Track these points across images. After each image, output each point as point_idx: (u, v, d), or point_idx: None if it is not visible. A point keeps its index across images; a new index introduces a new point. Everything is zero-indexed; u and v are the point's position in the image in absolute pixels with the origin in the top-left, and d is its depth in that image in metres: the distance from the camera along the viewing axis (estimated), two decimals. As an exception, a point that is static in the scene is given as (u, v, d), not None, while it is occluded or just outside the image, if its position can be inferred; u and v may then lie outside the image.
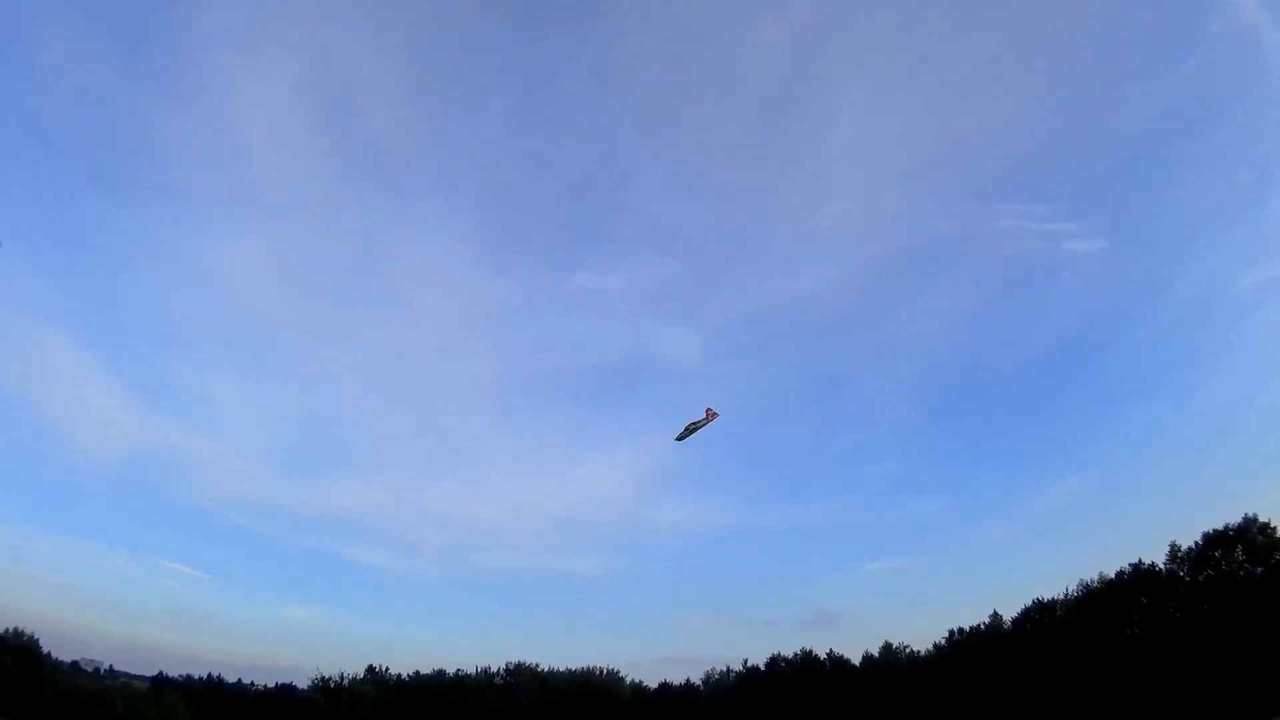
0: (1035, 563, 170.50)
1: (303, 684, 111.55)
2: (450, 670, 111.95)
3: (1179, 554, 70.92)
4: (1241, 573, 66.27)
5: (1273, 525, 66.86)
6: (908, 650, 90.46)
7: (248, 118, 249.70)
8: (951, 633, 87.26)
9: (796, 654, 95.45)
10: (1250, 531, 67.59)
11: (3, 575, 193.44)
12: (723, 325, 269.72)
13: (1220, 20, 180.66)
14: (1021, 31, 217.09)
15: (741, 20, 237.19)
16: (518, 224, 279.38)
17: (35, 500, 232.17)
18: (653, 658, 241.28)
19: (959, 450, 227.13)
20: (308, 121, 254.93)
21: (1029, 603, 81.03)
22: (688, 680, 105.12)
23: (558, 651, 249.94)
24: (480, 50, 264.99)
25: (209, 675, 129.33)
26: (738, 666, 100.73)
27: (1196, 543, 70.00)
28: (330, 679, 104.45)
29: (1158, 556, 72.16)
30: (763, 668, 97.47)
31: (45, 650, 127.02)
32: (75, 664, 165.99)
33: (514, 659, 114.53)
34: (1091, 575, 76.58)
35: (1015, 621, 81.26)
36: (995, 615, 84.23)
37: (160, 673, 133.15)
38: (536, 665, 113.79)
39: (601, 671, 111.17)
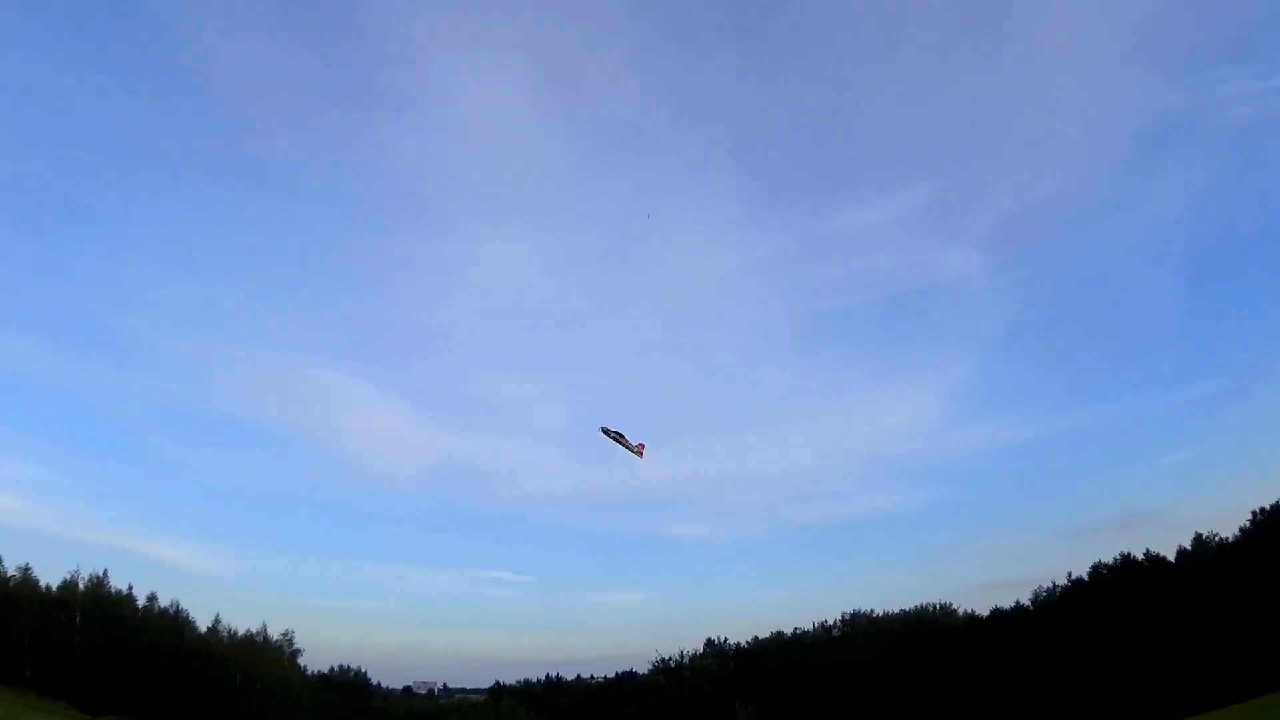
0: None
1: (643, 669, 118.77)
2: (788, 630, 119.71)
3: None
4: None
5: None
6: (1216, 539, 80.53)
7: (483, 122, 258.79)
8: (1254, 513, 76.95)
9: (1116, 559, 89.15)
10: None
11: (326, 613, 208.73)
12: (990, 236, 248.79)
13: None
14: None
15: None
16: (772, 175, 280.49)
17: (347, 534, 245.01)
18: (979, 584, 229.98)
19: (1233, 325, 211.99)
20: (544, 115, 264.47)
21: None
22: (1017, 602, 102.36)
23: (888, 593, 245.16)
24: (695, 8, 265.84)
25: (546, 676, 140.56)
26: (1062, 580, 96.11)
27: None
28: (670, 659, 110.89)
29: None
30: (1086, 577, 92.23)
31: (375, 681, 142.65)
32: (408, 689, 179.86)
33: (849, 608, 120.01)
34: None
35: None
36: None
37: (496, 682, 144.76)
38: (871, 611, 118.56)
39: (934, 607, 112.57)
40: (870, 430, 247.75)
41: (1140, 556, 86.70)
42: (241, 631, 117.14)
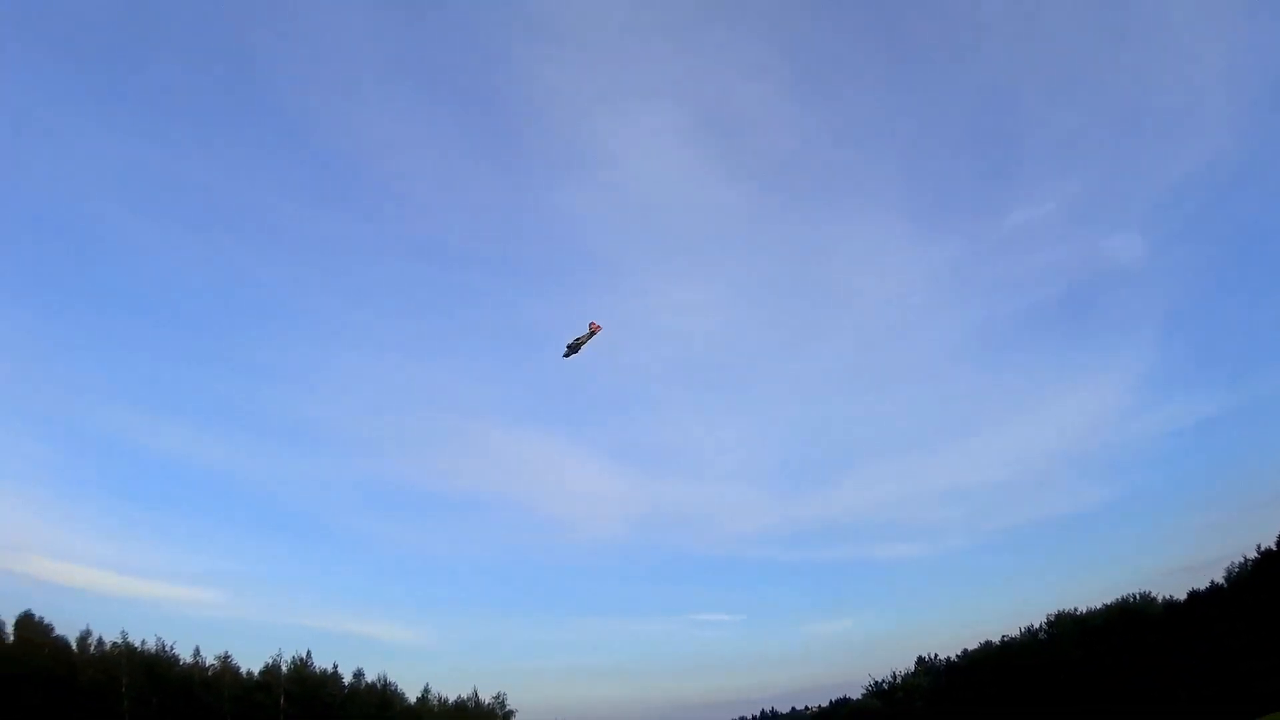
0: None
1: (856, 694, 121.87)
2: (995, 639, 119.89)
3: None
4: None
5: None
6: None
7: (647, 172, 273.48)
8: None
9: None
10: None
11: (539, 673, 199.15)
12: (1149, 215, 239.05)
13: None
14: None
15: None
16: (935, 185, 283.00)
17: (557, 593, 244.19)
18: (1174, 568, 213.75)
19: None
20: (706, 157, 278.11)
21: None
22: (1211, 582, 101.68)
23: (1090, 590, 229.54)
24: (839, 31, 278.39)
25: (761, 712, 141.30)
26: (1253, 554, 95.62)
27: None
28: (882, 681, 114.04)
29: None
30: (1275, 546, 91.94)
31: None
32: None
33: (1053, 609, 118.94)
34: None
35: None
36: None
37: None
38: (1074, 609, 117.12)
39: (1135, 597, 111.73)
40: (1057, 428, 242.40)
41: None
42: (452, 699, 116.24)
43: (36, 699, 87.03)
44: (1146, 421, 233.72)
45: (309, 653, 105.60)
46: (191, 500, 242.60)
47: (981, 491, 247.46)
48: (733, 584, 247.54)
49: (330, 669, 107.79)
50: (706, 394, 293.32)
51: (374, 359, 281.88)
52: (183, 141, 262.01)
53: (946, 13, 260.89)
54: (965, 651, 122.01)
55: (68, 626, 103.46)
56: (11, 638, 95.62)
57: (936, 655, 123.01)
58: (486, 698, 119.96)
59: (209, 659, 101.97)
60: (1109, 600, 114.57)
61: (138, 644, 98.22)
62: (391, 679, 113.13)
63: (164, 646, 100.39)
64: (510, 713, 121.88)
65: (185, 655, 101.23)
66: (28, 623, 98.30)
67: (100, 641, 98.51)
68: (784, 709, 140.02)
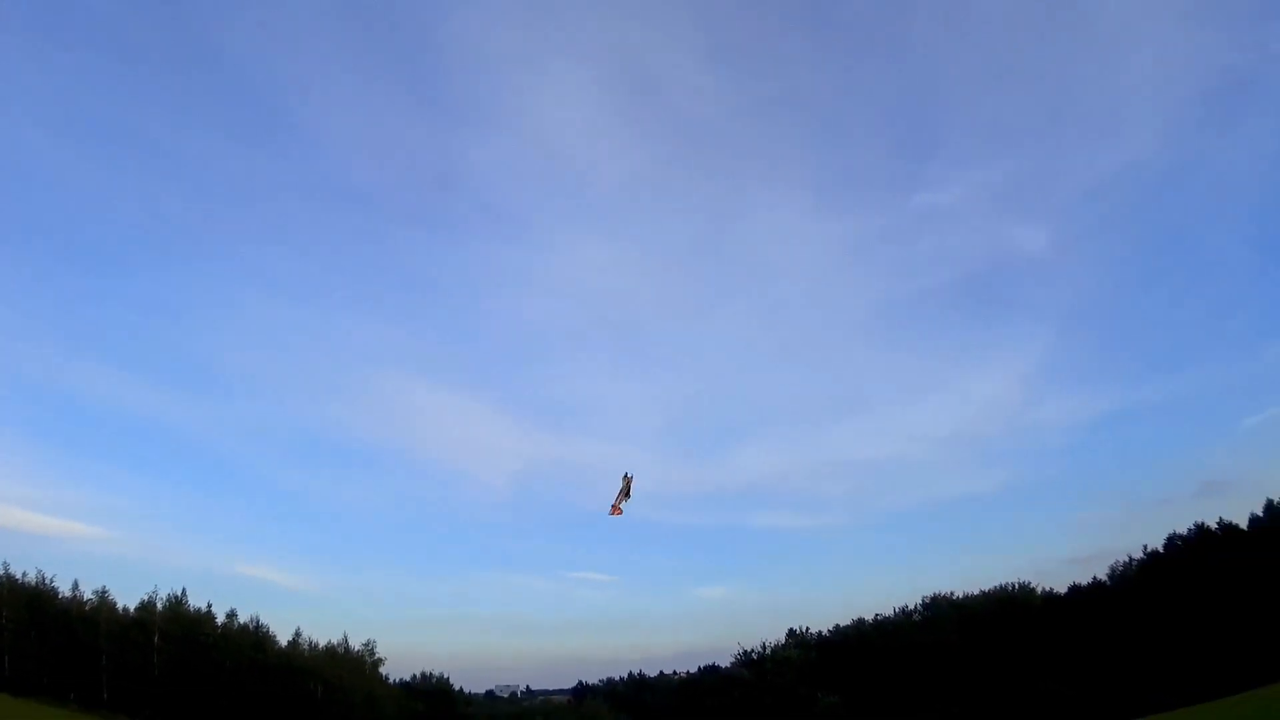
0: None
1: (726, 662, 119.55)
2: (869, 617, 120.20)
3: None
4: None
5: None
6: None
7: (558, 129, 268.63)
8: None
9: (1190, 529, 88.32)
10: None
11: (410, 623, 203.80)
12: (1063, 210, 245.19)
13: None
14: None
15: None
16: (847, 160, 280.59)
17: (434, 544, 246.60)
18: (1058, 561, 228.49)
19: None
20: (618, 118, 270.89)
21: None
22: (1094, 578, 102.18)
23: (970, 575, 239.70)
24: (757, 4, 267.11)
25: (630, 674, 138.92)
26: (1139, 554, 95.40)
27: None
28: (752, 651, 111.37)
29: None
30: (1162, 550, 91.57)
31: (458, 686, 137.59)
32: (490, 693, 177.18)
33: (930, 592, 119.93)
34: None
35: None
36: None
37: (580, 683, 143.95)
38: (952, 593, 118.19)
39: (1014, 586, 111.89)
40: (950, 412, 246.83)
41: (1214, 526, 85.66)
42: (323, 644, 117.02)
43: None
44: (1041, 412, 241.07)
45: (184, 591, 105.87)
46: (76, 435, 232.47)
47: (868, 469, 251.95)
48: (613, 544, 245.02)
49: (205, 608, 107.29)
50: (605, 352, 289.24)
51: (274, 301, 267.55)
52: (98, 69, 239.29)
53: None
54: (838, 627, 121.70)
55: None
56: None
57: (808, 629, 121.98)
58: (356, 644, 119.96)
59: (88, 594, 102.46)
60: (988, 587, 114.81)
61: (19, 576, 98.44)
62: (265, 621, 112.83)
63: (44, 580, 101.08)
64: (379, 660, 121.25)
65: (65, 589, 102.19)
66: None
67: None
68: (652, 673, 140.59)
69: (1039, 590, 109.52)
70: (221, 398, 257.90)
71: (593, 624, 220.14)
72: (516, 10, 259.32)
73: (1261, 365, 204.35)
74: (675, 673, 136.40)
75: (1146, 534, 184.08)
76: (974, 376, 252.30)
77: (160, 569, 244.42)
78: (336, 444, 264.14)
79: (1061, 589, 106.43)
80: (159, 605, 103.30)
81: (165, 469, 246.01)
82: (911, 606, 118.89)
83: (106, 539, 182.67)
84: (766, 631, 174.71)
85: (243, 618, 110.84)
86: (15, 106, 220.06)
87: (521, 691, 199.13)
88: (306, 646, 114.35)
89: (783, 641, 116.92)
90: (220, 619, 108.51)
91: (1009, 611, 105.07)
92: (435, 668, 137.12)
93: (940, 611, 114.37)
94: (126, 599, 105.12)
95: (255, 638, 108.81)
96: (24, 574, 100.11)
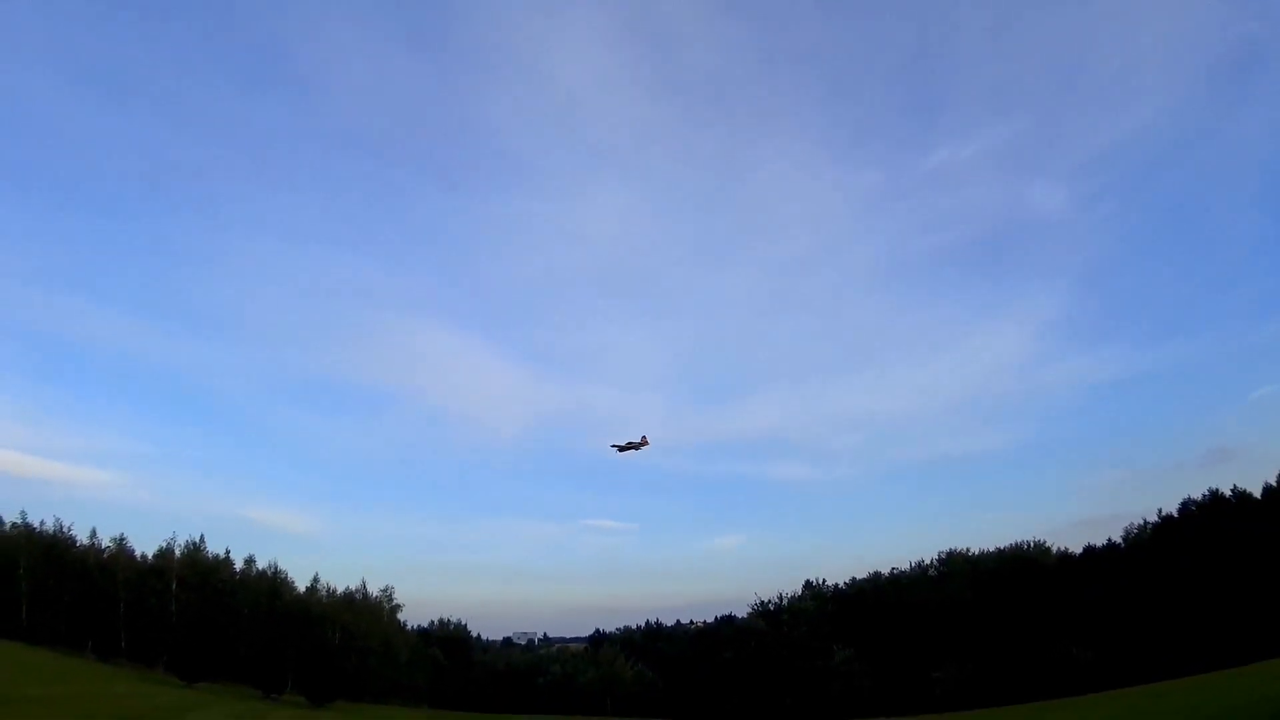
0: None
1: (742, 613, 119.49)
2: (885, 570, 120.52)
3: None
4: None
5: None
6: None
7: (572, 78, 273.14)
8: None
9: (1205, 495, 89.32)
10: None
11: (428, 569, 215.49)
12: (1076, 171, 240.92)
13: None
14: None
15: None
16: (861, 115, 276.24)
17: (451, 491, 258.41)
18: (1071, 522, 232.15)
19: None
20: (632, 68, 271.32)
21: None
22: (1109, 540, 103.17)
23: (984, 531, 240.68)
24: None
25: (646, 623, 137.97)
26: (1153, 517, 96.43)
27: None
28: (769, 602, 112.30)
29: None
30: (1176, 514, 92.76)
31: (475, 633, 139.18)
32: (508, 640, 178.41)
33: (945, 547, 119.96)
34: None
35: None
36: None
37: (596, 631, 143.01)
38: (967, 550, 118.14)
39: (1029, 545, 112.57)
40: (963, 368, 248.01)
41: (1228, 493, 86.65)
42: (340, 590, 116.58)
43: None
44: (1052, 373, 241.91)
45: (202, 537, 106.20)
46: (93, 382, 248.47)
47: (880, 422, 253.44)
48: (627, 492, 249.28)
49: (223, 554, 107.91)
50: (619, 301, 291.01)
51: (288, 247, 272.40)
52: (107, 15, 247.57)
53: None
54: (854, 579, 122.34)
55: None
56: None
57: (824, 581, 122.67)
58: (374, 590, 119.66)
59: (105, 541, 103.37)
60: (1004, 544, 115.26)
61: (37, 525, 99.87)
62: (282, 567, 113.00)
63: (62, 527, 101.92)
64: (397, 606, 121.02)
65: (83, 537, 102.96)
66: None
67: (0, 522, 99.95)
68: (669, 621, 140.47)
69: (1054, 549, 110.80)
70: (233, 343, 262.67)
71: (609, 572, 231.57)
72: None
73: (1269, 337, 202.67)
74: (691, 622, 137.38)
75: (1157, 498, 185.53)
76: (986, 334, 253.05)
77: (176, 515, 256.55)
78: (349, 389, 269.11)
79: (1077, 549, 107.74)
80: (177, 552, 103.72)
81: (180, 414, 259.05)
82: (927, 562, 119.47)
83: (123, 484, 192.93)
84: (783, 582, 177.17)
85: (260, 564, 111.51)
86: (25, 51, 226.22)
87: (539, 639, 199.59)
88: (324, 593, 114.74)
89: (799, 593, 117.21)
90: (238, 565, 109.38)
91: (1024, 570, 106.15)
92: (453, 614, 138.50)
93: (955, 567, 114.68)
94: (144, 546, 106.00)
95: (273, 584, 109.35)
96: (41, 522, 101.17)
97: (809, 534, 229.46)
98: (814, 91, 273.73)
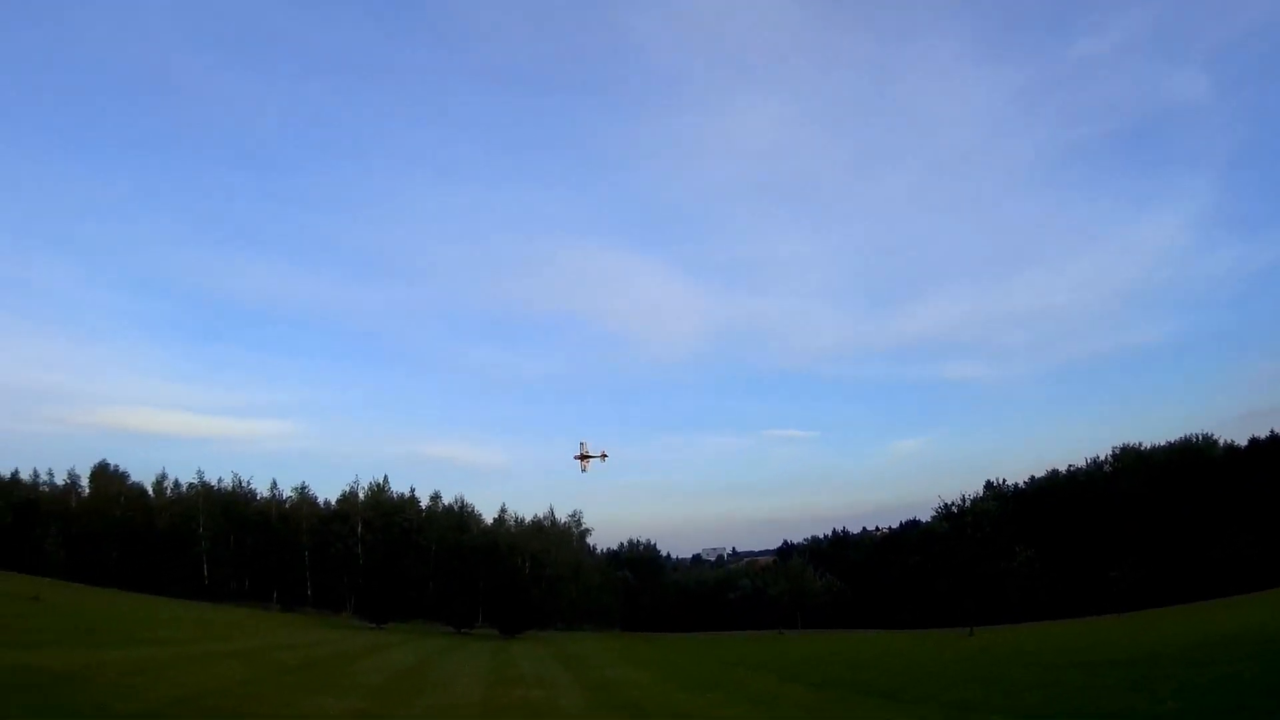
0: None
1: (925, 517, 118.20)
2: (1062, 468, 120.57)
3: None
4: None
5: None
6: None
7: None
8: None
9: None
10: None
11: (615, 491, 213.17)
12: (1214, 55, 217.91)
13: None
14: None
15: None
16: (1004, 12, 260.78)
17: (630, 410, 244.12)
18: (1238, 414, 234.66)
19: None
20: None
21: None
22: (1271, 431, 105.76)
23: (1154, 425, 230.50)
24: None
25: (832, 532, 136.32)
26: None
27: None
28: (952, 504, 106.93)
29: None
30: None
31: (664, 552, 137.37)
32: (697, 557, 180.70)
33: (1118, 443, 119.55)
34: None
35: None
36: None
37: (784, 542, 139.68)
38: (1140, 444, 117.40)
39: (1197, 438, 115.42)
40: (1123, 260, 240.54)
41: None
42: (529, 519, 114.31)
43: (115, 552, 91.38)
44: (1211, 261, 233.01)
45: (385, 478, 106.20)
46: (261, 335, 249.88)
47: (1049, 319, 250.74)
48: (807, 401, 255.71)
49: (408, 493, 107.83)
50: (778, 210, 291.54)
51: (444, 184, 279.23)
52: None
53: None
54: (1033, 478, 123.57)
55: (144, 472, 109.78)
56: (87, 491, 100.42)
57: (1004, 480, 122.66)
58: (562, 516, 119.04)
59: (286, 492, 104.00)
60: (1174, 438, 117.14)
61: (214, 483, 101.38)
62: (469, 501, 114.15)
63: (240, 483, 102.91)
64: (586, 530, 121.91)
65: (263, 490, 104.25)
66: (102, 474, 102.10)
67: (176, 485, 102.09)
68: (855, 529, 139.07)
69: (1221, 442, 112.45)
70: (403, 284, 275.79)
71: (794, 482, 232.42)
72: None
73: None
74: (877, 528, 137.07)
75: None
76: (1143, 225, 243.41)
77: (358, 460, 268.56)
78: (514, 317, 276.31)
79: (1242, 442, 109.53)
80: (360, 495, 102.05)
81: (348, 361, 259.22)
82: (1102, 458, 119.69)
83: (301, 434, 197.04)
84: (964, 484, 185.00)
85: (447, 498, 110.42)
86: (155, 18, 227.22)
87: (728, 554, 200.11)
88: (512, 523, 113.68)
89: (980, 494, 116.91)
90: (424, 501, 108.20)
91: (1192, 463, 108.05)
92: (642, 535, 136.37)
93: (1129, 464, 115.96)
94: (328, 493, 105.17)
95: (459, 518, 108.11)
96: (219, 480, 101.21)
97: (987, 434, 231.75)
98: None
